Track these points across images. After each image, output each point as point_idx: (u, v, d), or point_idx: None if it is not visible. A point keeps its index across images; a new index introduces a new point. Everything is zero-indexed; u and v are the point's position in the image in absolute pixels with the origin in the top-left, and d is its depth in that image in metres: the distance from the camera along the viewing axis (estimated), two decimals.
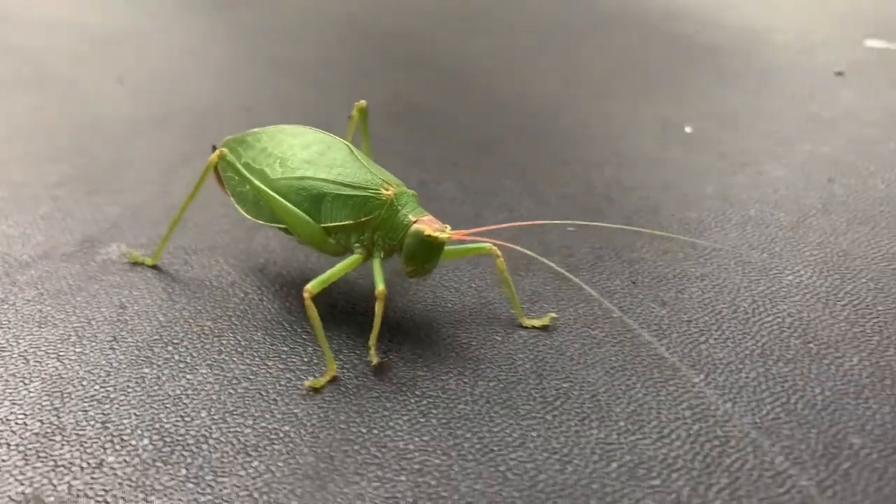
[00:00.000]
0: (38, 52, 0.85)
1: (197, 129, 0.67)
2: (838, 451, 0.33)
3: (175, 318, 0.42)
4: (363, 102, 0.47)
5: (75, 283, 0.45)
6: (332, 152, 0.42)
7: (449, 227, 0.39)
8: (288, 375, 0.38)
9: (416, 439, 0.34)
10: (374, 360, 0.38)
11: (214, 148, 0.45)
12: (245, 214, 0.44)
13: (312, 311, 0.37)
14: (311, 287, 0.37)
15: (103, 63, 0.82)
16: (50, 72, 0.80)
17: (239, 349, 0.40)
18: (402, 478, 0.32)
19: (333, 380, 0.38)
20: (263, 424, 0.35)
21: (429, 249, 0.38)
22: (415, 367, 0.39)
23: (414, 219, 0.39)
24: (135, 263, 0.46)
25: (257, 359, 0.39)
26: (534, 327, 0.41)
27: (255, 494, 0.31)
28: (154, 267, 0.46)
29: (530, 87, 0.76)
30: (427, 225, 0.39)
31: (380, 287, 0.38)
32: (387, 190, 0.40)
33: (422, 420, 0.35)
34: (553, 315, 0.42)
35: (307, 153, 0.42)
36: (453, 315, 0.43)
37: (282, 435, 0.34)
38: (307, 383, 0.37)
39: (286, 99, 0.74)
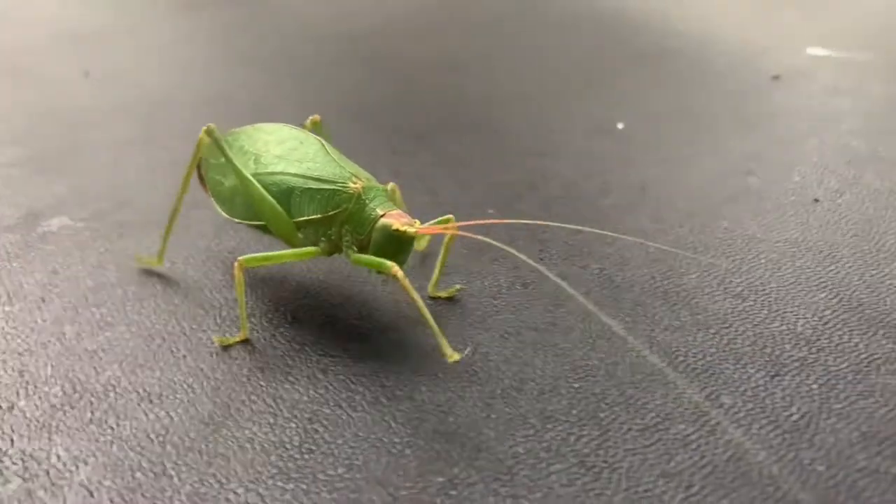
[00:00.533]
0: (5, 45, 0.88)
1: (153, 118, 0.69)
2: (709, 409, 0.35)
3: (102, 284, 0.44)
4: (317, 117, 0.46)
5: (13, 250, 0.47)
6: (303, 147, 0.42)
7: (418, 222, 0.38)
8: (199, 335, 0.40)
9: (312, 392, 0.36)
10: (450, 354, 0.36)
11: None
12: (223, 213, 0.44)
13: (239, 281, 0.38)
14: (244, 260, 0.38)
15: (71, 58, 0.85)
16: (16, 64, 0.82)
17: (158, 311, 0.42)
18: (293, 424, 0.34)
19: (244, 342, 0.39)
20: (170, 376, 0.37)
21: (397, 244, 0.38)
22: (322, 330, 0.41)
23: (382, 212, 0.39)
24: (143, 267, 0.46)
25: (173, 320, 0.41)
26: (440, 298, 0.43)
27: (152, 436, 0.34)
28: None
29: (476, 85, 0.79)
30: (395, 219, 0.38)
31: (392, 269, 0.37)
32: (354, 183, 0.39)
33: (320, 376, 0.37)
34: (459, 287, 0.44)
35: (280, 149, 0.42)
36: (364, 287, 0.45)
37: (186, 386, 0.36)
38: (216, 338, 0.39)
39: (243, 92, 0.76)
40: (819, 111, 0.68)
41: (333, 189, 0.39)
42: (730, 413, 0.35)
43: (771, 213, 0.52)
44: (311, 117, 0.46)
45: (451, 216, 0.41)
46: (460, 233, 0.39)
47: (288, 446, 0.33)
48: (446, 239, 0.42)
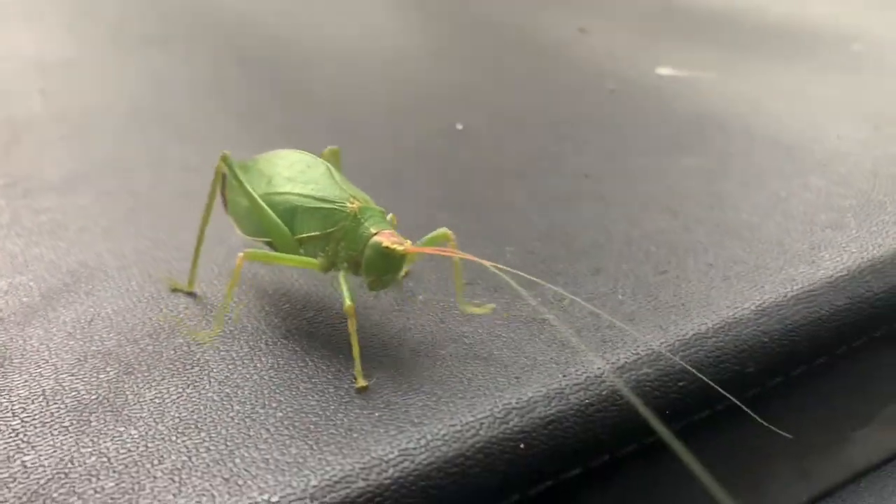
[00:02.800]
0: None
1: (92, 129, 0.71)
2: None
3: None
4: (336, 147, 0.49)
5: None
6: (310, 171, 0.45)
7: (409, 242, 0.40)
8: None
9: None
10: (360, 382, 0.38)
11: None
12: (239, 231, 0.47)
13: (237, 270, 0.41)
14: (247, 253, 0.41)
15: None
16: None
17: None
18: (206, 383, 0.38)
19: (217, 336, 0.42)
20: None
21: (387, 261, 0.40)
22: (259, 321, 0.43)
23: (374, 231, 0.41)
24: (174, 290, 0.47)
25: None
26: (475, 314, 0.44)
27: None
28: (191, 294, 0.46)
29: (346, 81, 0.83)
30: (385, 237, 0.40)
31: (347, 303, 0.39)
32: (352, 203, 0.42)
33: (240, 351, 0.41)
34: (492, 306, 0.44)
35: (289, 172, 0.45)
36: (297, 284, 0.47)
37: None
38: (190, 333, 0.42)
39: (206, 124, 0.75)
40: (645, 120, 0.73)
41: (332, 208, 0.42)
42: None
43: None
44: (328, 147, 0.49)
45: (445, 229, 0.43)
46: (451, 252, 0.42)
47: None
48: (455, 258, 0.43)
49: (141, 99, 0.79)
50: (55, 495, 0.33)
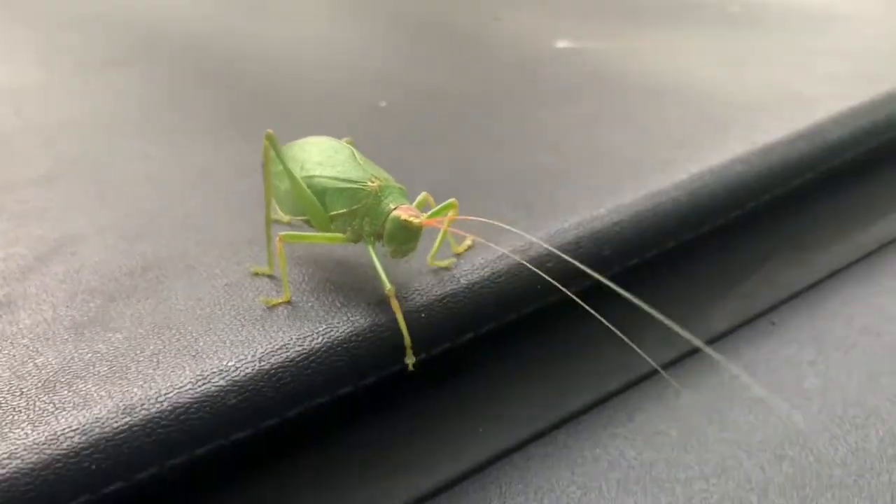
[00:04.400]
0: None
1: (63, 138, 0.79)
2: None
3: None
4: (350, 139, 0.54)
5: None
6: (337, 155, 0.49)
7: (424, 215, 0.45)
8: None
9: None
10: (410, 360, 0.43)
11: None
12: (280, 212, 0.52)
13: (280, 251, 0.46)
14: (285, 235, 0.46)
15: None
16: None
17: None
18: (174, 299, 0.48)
19: (287, 303, 0.46)
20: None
21: (405, 232, 0.44)
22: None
23: (394, 206, 0.45)
24: (256, 275, 0.50)
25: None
26: (440, 266, 0.49)
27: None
28: (271, 276, 0.50)
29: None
30: (404, 212, 0.44)
31: (386, 286, 0.43)
32: (373, 182, 0.46)
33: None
34: (453, 260, 0.49)
35: (319, 156, 0.49)
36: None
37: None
38: (261, 299, 0.47)
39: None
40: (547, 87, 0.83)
41: (356, 188, 0.46)
42: None
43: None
44: (345, 138, 0.54)
45: (452, 200, 0.48)
46: (460, 217, 0.47)
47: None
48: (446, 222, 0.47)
49: (105, 111, 0.88)
50: (62, 380, 0.43)
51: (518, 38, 1.01)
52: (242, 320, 0.45)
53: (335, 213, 0.47)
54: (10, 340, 0.46)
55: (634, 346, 0.41)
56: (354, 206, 0.47)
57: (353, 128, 0.75)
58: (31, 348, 0.45)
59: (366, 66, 0.95)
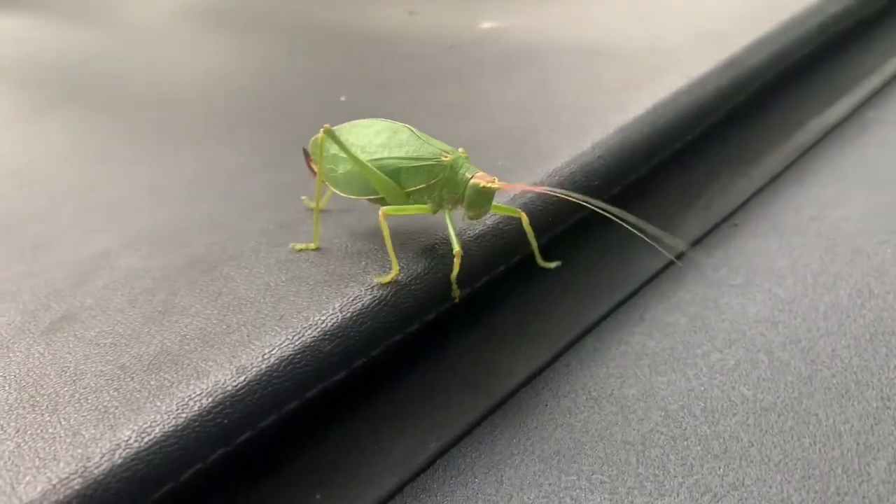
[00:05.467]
0: None
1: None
2: None
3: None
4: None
5: None
6: (398, 135, 0.52)
7: (497, 179, 0.49)
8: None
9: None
10: (456, 294, 0.50)
11: (305, 152, 0.57)
12: (337, 192, 0.54)
13: (384, 225, 0.48)
14: (386, 209, 0.49)
15: None
16: None
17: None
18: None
19: (395, 280, 0.49)
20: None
21: (485, 197, 0.49)
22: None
23: (470, 175, 0.49)
24: (299, 250, 0.54)
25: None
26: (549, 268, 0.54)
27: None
28: (317, 249, 0.54)
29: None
30: (480, 179, 0.49)
31: (456, 248, 0.47)
32: (445, 157, 0.50)
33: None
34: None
35: (380, 139, 0.52)
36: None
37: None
38: (375, 278, 0.49)
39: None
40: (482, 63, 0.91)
41: (432, 164, 0.50)
42: None
43: None
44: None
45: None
46: (536, 189, 0.52)
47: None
48: (524, 220, 0.51)
49: (63, 148, 0.91)
50: (165, 361, 0.47)
51: (441, 25, 1.09)
52: (307, 285, 0.51)
53: (413, 189, 0.51)
54: (93, 342, 0.50)
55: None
56: (433, 181, 0.50)
57: (322, 120, 0.81)
58: (119, 345, 0.49)
59: (321, 70, 1.00)
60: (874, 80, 0.77)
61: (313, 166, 0.58)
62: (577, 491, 0.44)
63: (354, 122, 0.55)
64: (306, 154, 0.59)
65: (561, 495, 0.44)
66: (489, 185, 0.49)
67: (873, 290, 0.54)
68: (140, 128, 0.93)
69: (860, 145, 0.70)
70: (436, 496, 0.44)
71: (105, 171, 0.79)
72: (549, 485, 0.44)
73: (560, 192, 0.49)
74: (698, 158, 0.69)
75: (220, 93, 0.98)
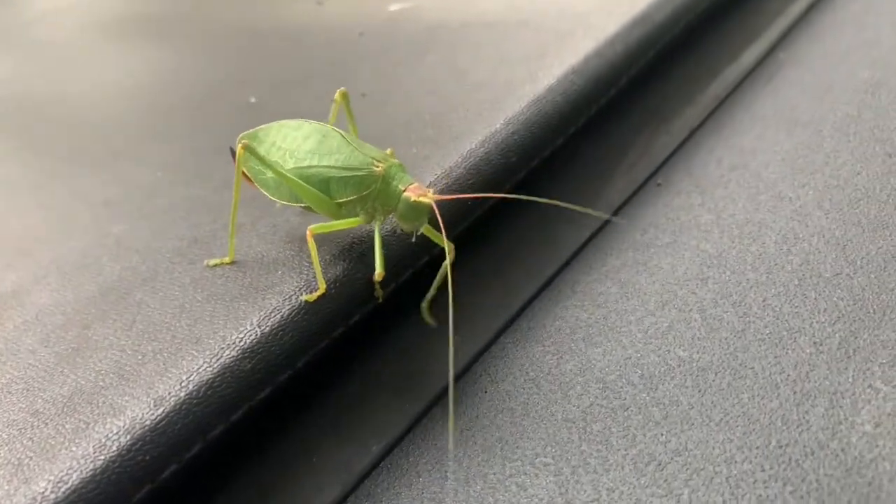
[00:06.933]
0: None
1: None
2: None
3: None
4: (344, 89, 0.53)
5: None
6: (328, 140, 0.49)
7: (431, 192, 0.47)
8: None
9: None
10: (379, 293, 0.48)
11: (232, 151, 0.52)
12: (270, 197, 0.51)
13: (312, 245, 0.46)
14: (313, 228, 0.46)
15: None
16: None
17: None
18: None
19: (323, 296, 0.47)
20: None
21: (417, 211, 0.47)
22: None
23: (403, 188, 0.47)
24: (213, 266, 0.52)
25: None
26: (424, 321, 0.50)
27: None
28: (232, 262, 0.52)
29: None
30: (413, 192, 0.47)
31: (378, 269, 0.46)
32: (377, 167, 0.48)
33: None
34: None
35: (308, 144, 0.49)
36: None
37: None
38: (303, 297, 0.47)
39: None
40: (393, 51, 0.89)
41: (363, 175, 0.48)
42: None
43: None
44: (339, 90, 0.54)
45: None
46: (468, 196, 0.51)
47: None
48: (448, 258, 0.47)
49: None
50: (79, 401, 0.45)
51: (350, 12, 1.06)
52: (223, 302, 0.49)
53: (343, 200, 0.49)
54: (4, 390, 0.48)
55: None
56: (364, 192, 0.48)
57: (233, 126, 0.79)
58: (32, 389, 0.47)
59: (229, 73, 0.97)
60: (782, 23, 0.77)
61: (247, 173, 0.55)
62: (523, 477, 0.43)
63: (282, 122, 0.52)
64: (234, 154, 0.55)
65: (507, 483, 0.43)
66: (420, 198, 0.47)
67: (798, 234, 0.54)
68: (49, 152, 0.89)
69: (774, 88, 0.70)
70: (380, 501, 0.43)
71: (12, 203, 0.76)
72: (494, 474, 0.43)
73: (492, 196, 0.50)
74: (618, 121, 0.68)
75: (130, 107, 0.95)
